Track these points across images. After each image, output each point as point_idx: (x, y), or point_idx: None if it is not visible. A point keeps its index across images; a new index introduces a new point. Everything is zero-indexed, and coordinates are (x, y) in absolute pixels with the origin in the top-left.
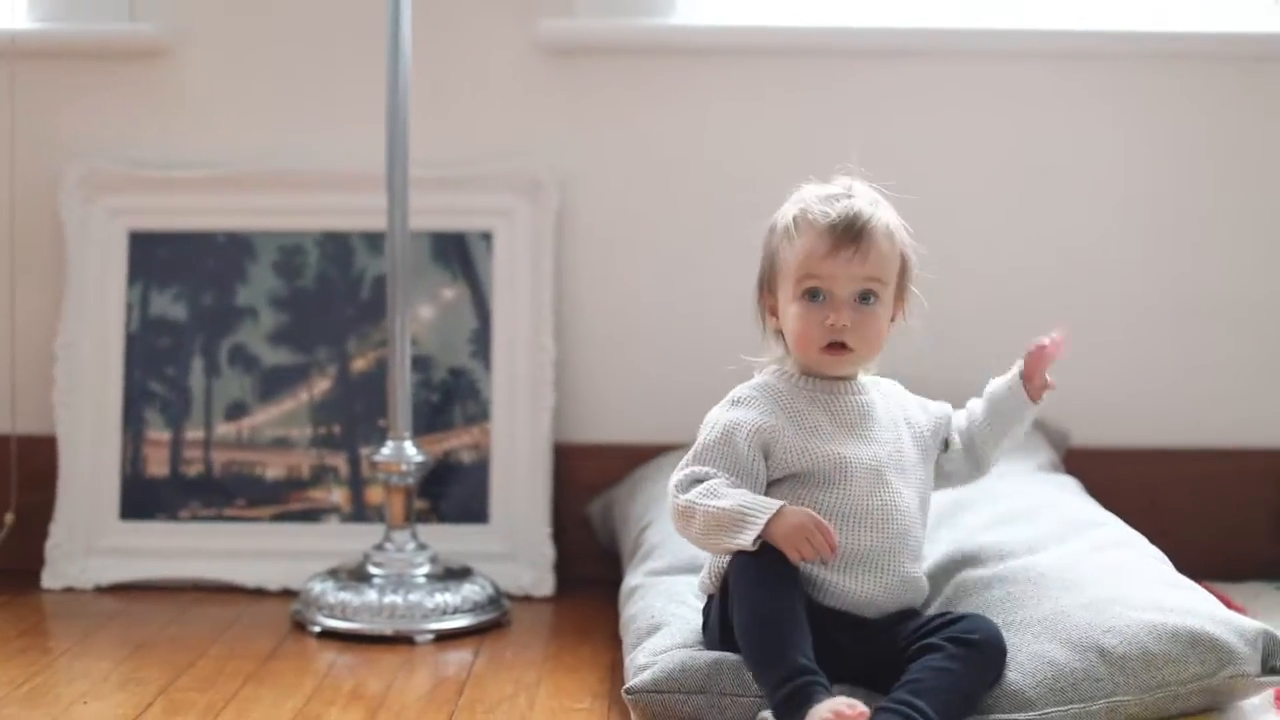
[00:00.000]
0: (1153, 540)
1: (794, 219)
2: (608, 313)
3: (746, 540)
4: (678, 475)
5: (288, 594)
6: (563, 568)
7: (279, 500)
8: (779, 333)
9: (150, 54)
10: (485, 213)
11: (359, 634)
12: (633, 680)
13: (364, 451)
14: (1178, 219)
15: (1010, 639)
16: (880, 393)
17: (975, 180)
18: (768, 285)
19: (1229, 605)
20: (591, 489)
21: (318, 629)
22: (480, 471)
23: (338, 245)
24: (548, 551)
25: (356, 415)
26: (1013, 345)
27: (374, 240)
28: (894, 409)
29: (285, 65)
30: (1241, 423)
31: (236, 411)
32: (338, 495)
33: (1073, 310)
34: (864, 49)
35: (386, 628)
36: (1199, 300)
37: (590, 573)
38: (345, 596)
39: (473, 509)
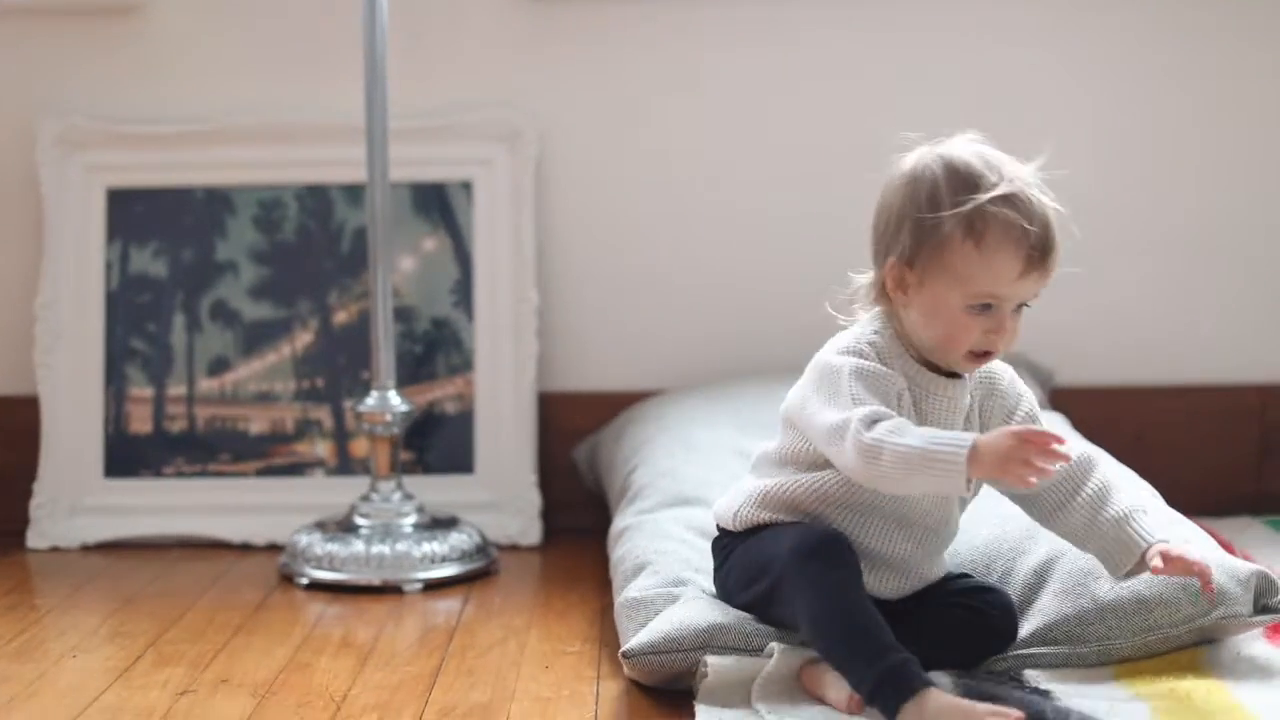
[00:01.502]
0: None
1: (985, 219)
2: (590, 261)
3: (960, 484)
4: (853, 414)
5: (274, 548)
6: (549, 516)
7: (263, 455)
8: (903, 307)
9: (127, 9)
10: (465, 162)
11: (347, 585)
12: (629, 643)
13: (348, 404)
14: (1162, 154)
15: (1004, 583)
16: (977, 383)
17: (954, 115)
18: (907, 258)
19: (1217, 541)
20: (576, 436)
21: (305, 581)
22: (465, 422)
23: (317, 198)
24: (534, 500)
25: (339, 368)
26: None
27: (354, 192)
28: (982, 403)
29: (262, 18)
30: (1227, 359)
31: (219, 367)
32: (322, 449)
33: None
34: None
35: (375, 578)
36: (1183, 237)
37: (577, 520)
38: (332, 548)
39: (458, 459)
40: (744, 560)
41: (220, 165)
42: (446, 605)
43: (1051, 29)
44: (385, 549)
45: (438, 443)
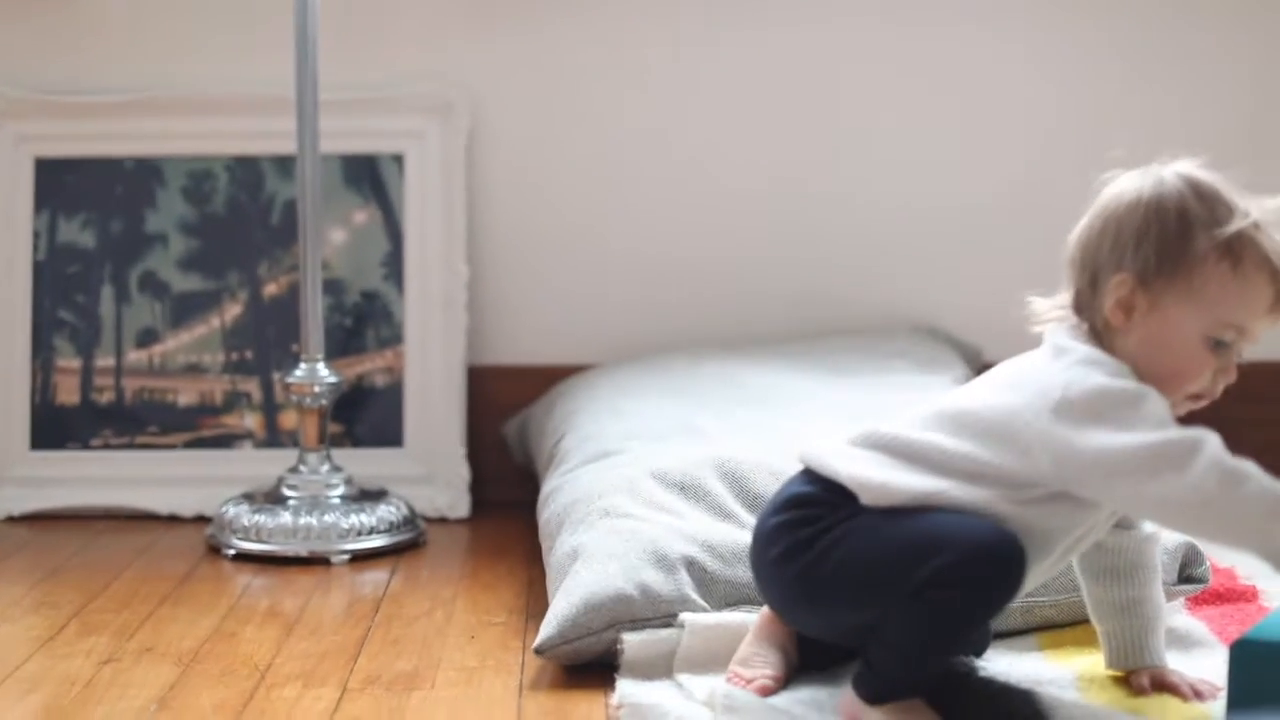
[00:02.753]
0: None
1: (1244, 242)
2: (521, 234)
3: None
4: (1194, 433)
5: (202, 520)
6: (479, 490)
7: (192, 427)
8: (1120, 333)
9: None
10: (396, 135)
11: (274, 556)
12: (538, 639)
13: (277, 376)
14: (1090, 139)
15: None
16: None
17: (891, 105)
18: (1144, 276)
19: None
20: (507, 411)
21: (232, 552)
22: (394, 395)
23: (247, 170)
24: (463, 473)
25: (269, 341)
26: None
27: (284, 164)
28: None
29: None
30: None
31: (147, 338)
32: (251, 421)
33: (979, 225)
34: None
35: (302, 549)
36: None
37: (506, 495)
38: (260, 519)
39: (387, 433)
40: (890, 534)
41: (150, 136)
42: (373, 577)
43: (1008, 19)
44: (313, 520)
45: (367, 416)
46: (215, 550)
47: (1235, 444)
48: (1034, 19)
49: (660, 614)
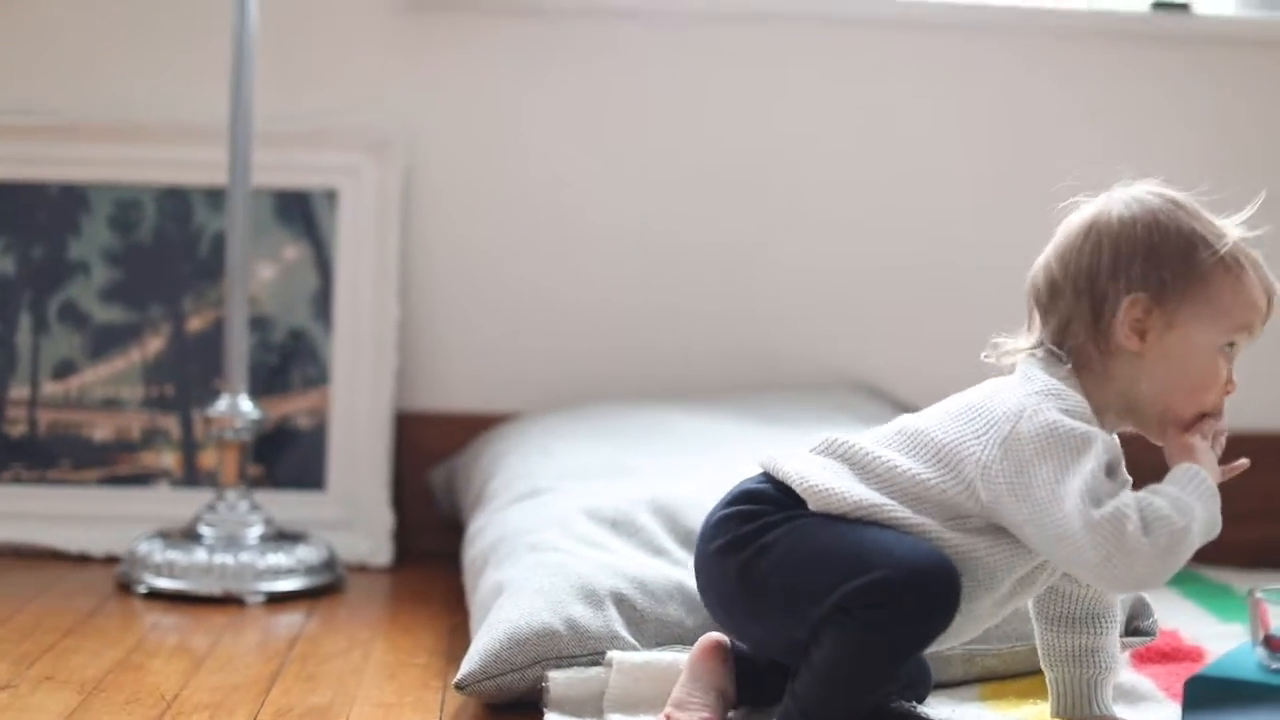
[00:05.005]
0: None
1: (1237, 253)
2: (456, 277)
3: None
4: (1125, 501)
5: (112, 561)
6: (402, 539)
7: (106, 463)
8: (1133, 357)
9: None
10: (331, 170)
11: (187, 594)
12: (460, 673)
13: (197, 414)
14: (1031, 197)
15: None
16: None
17: (831, 164)
18: (1163, 296)
19: None
20: (434, 458)
21: (144, 589)
22: (318, 437)
23: (177, 200)
24: (386, 519)
25: (191, 377)
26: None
27: (214, 197)
28: None
29: (127, 11)
30: None
31: (65, 370)
32: (169, 459)
33: (918, 283)
34: (717, 13)
35: (216, 588)
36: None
37: (431, 545)
38: (173, 555)
39: (309, 475)
40: (814, 539)
41: (76, 161)
42: (290, 618)
43: (941, 68)
44: (228, 559)
45: (289, 457)
46: (125, 588)
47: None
48: (969, 76)
49: (588, 651)
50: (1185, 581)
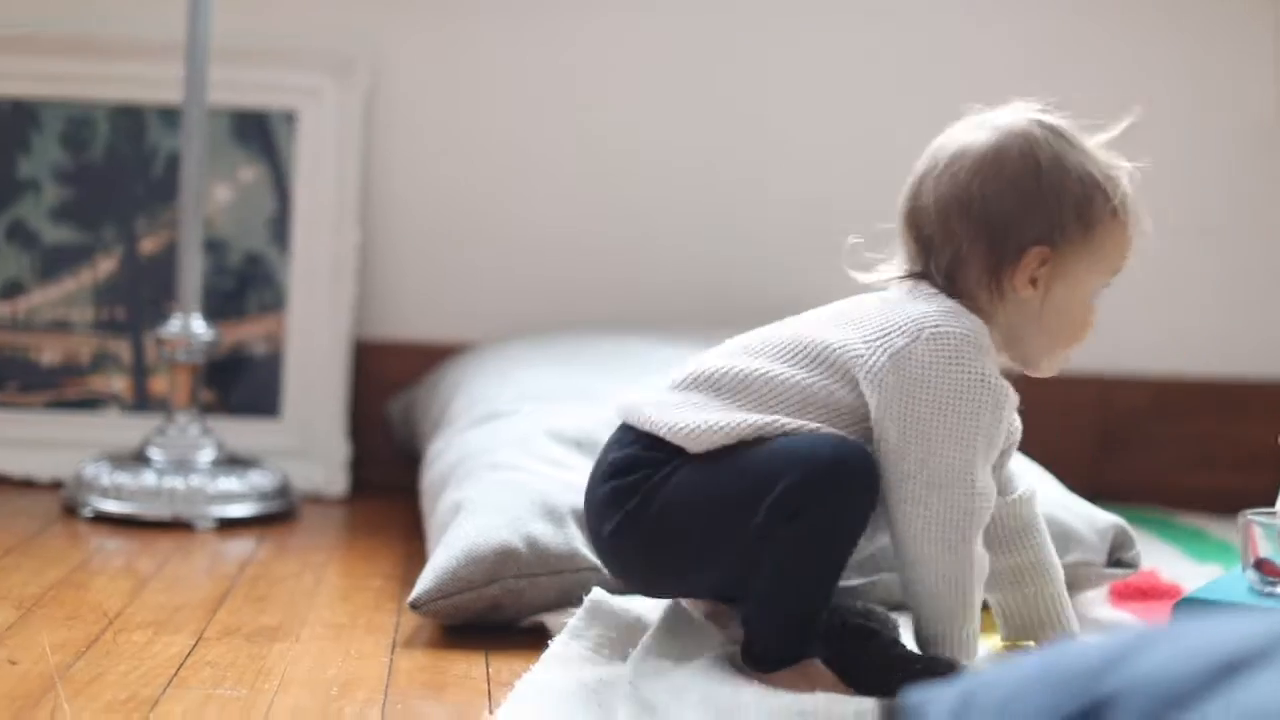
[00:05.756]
0: None
1: (1127, 199)
2: (418, 204)
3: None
4: (975, 481)
5: (58, 487)
6: (358, 471)
7: (54, 386)
8: (1017, 306)
9: None
10: (291, 90)
11: (134, 518)
12: (414, 592)
13: (149, 337)
14: None
15: None
16: None
17: (814, 97)
18: (1060, 246)
19: None
20: (392, 388)
21: (89, 512)
22: (273, 364)
23: (130, 119)
24: (341, 448)
25: (143, 300)
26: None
27: (170, 116)
28: None
29: None
30: None
31: (12, 290)
32: (119, 383)
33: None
34: None
35: (164, 512)
36: None
37: (387, 478)
38: (121, 479)
39: (263, 403)
40: (724, 475)
41: (27, 76)
42: (240, 544)
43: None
44: (178, 482)
45: (243, 383)
46: (70, 511)
47: (1159, 460)
48: (979, 11)
49: (548, 569)
50: (1159, 526)
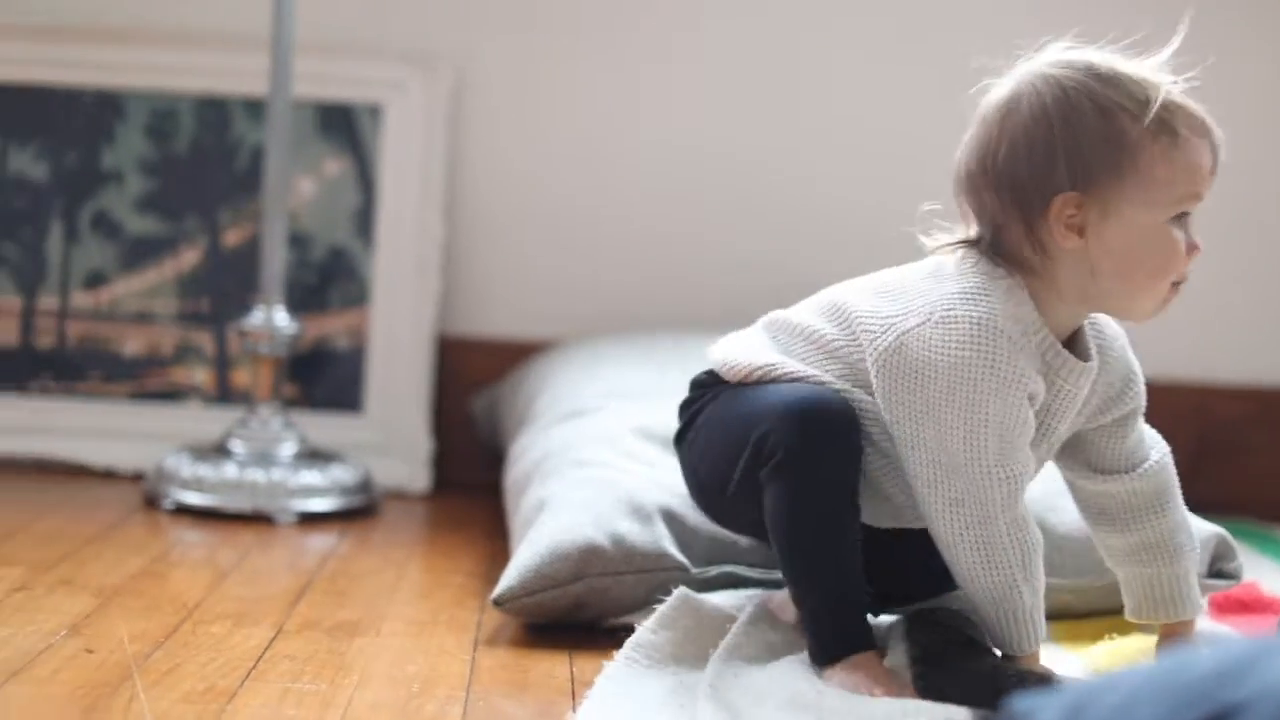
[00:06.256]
0: None
1: (1171, 111)
2: (503, 200)
3: (1007, 645)
4: (993, 463)
5: (140, 478)
6: (440, 468)
7: (137, 378)
8: (1072, 257)
9: None
10: (376, 84)
11: (215, 510)
12: (498, 589)
13: (232, 329)
14: None
15: None
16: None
17: (897, 101)
18: (1091, 188)
19: None
20: (476, 385)
21: (170, 504)
22: (356, 358)
23: (215, 110)
24: (424, 444)
25: (226, 292)
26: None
27: (255, 108)
28: (1093, 386)
29: None
30: (1166, 352)
31: (95, 281)
32: (201, 376)
33: None
34: None
35: (245, 504)
36: None
37: (470, 476)
38: (202, 471)
39: (346, 397)
40: (720, 414)
41: (114, 67)
42: (321, 539)
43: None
44: (260, 475)
45: (326, 378)
46: (151, 503)
47: (1256, 472)
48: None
49: (634, 568)
50: (1256, 539)
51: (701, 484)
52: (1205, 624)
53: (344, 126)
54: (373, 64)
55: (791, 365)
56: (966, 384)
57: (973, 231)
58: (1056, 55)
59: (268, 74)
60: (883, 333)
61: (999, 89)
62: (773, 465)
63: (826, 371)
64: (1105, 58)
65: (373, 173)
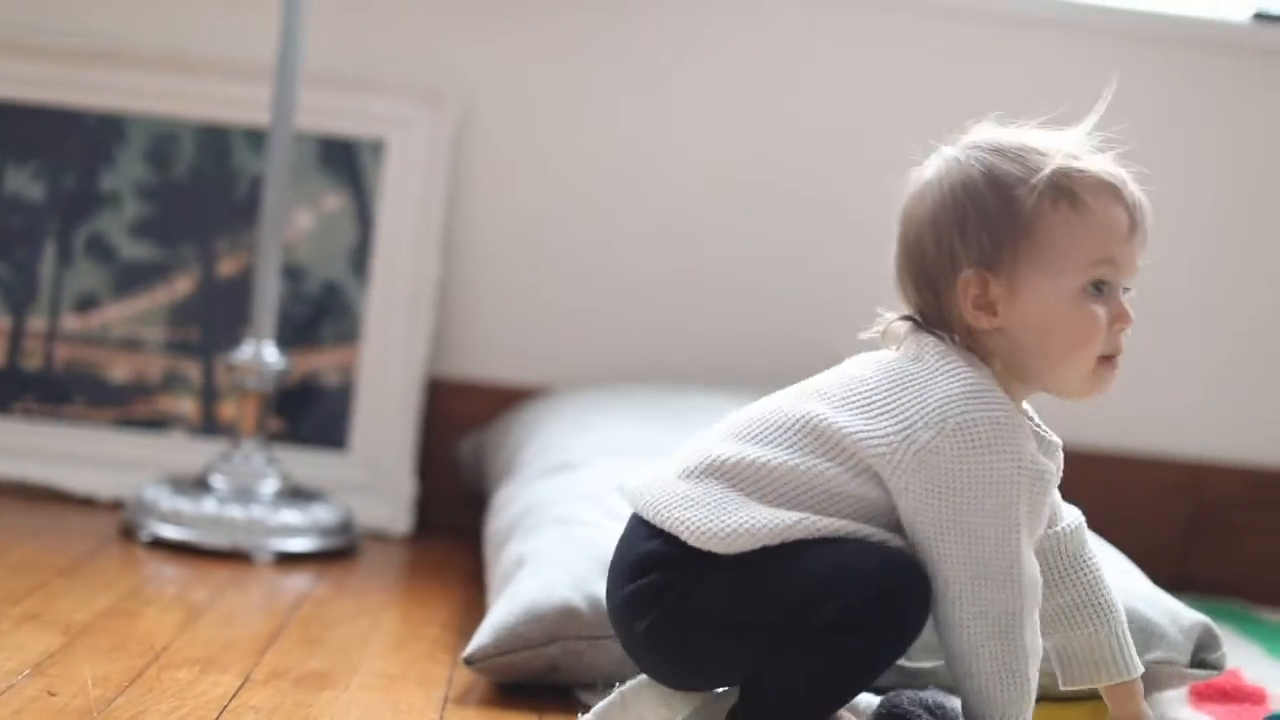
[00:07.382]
0: None
1: (1069, 176)
2: (501, 241)
3: None
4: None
5: (119, 506)
6: (424, 510)
7: (122, 404)
8: (991, 335)
9: None
10: (380, 119)
11: (192, 545)
12: (470, 647)
13: (220, 361)
14: None
15: None
16: None
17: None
18: (987, 262)
19: None
20: (464, 429)
21: (147, 536)
22: (344, 396)
23: (216, 138)
24: (408, 486)
25: (217, 322)
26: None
27: (256, 138)
28: None
29: None
30: (1159, 428)
31: (86, 304)
32: (186, 406)
33: None
34: None
35: (223, 541)
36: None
37: (454, 519)
38: (181, 504)
39: (332, 434)
40: (766, 584)
41: (116, 89)
42: (297, 579)
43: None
44: (239, 511)
45: (313, 413)
46: (128, 534)
47: (1247, 552)
48: (1054, 78)
49: (610, 632)
50: (1241, 621)
51: (702, 664)
52: (1185, 712)
53: (345, 161)
54: (377, 98)
55: (819, 523)
56: (997, 488)
57: (912, 311)
58: (970, 137)
59: (270, 104)
60: (894, 453)
61: (916, 176)
62: (855, 633)
63: (842, 517)
64: (1016, 134)
65: (371, 209)
